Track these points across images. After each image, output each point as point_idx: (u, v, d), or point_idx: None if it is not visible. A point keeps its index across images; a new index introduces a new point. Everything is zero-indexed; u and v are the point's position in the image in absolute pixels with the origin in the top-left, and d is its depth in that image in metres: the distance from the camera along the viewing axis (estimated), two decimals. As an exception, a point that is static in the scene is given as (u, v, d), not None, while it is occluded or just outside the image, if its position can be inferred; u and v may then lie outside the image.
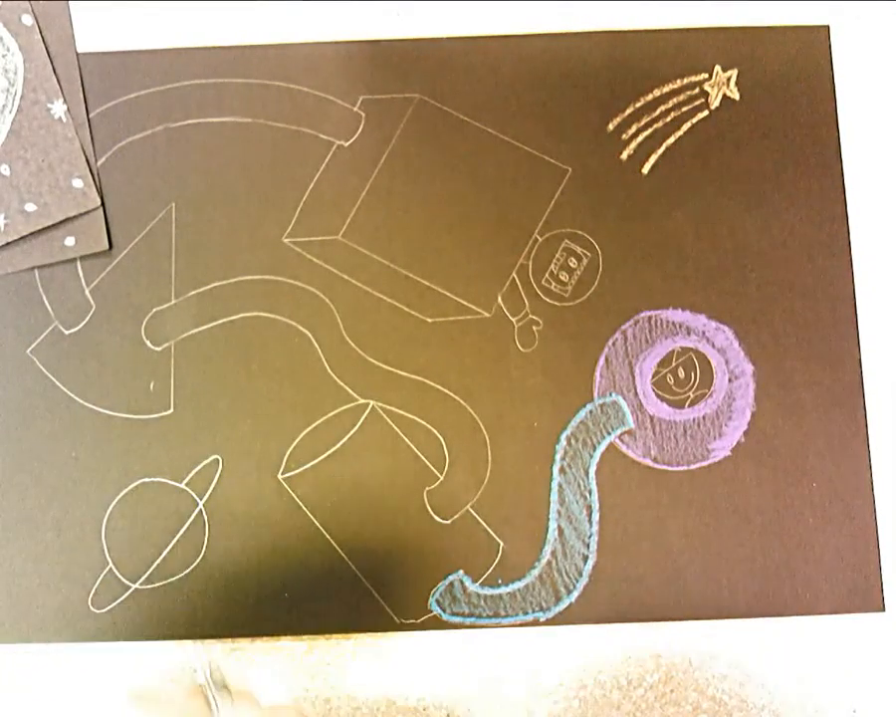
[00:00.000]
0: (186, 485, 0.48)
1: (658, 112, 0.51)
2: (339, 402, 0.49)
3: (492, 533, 0.49)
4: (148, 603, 0.48)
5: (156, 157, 0.51)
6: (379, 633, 0.48)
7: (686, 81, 0.52)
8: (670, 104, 0.52)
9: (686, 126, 0.52)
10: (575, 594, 0.48)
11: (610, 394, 0.50)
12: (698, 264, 0.51)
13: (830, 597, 0.48)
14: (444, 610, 0.48)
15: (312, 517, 0.48)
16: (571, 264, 0.51)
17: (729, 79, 0.52)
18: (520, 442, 0.49)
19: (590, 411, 0.50)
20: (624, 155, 0.51)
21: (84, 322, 0.50)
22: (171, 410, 0.49)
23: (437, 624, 0.48)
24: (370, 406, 0.49)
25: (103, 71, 0.52)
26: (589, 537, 0.49)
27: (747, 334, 0.50)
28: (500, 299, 0.50)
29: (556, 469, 0.49)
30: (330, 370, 0.49)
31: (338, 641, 0.48)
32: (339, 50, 0.52)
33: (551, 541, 0.48)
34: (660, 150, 0.51)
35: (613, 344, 0.50)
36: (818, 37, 0.52)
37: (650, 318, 0.50)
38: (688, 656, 0.49)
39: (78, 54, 0.51)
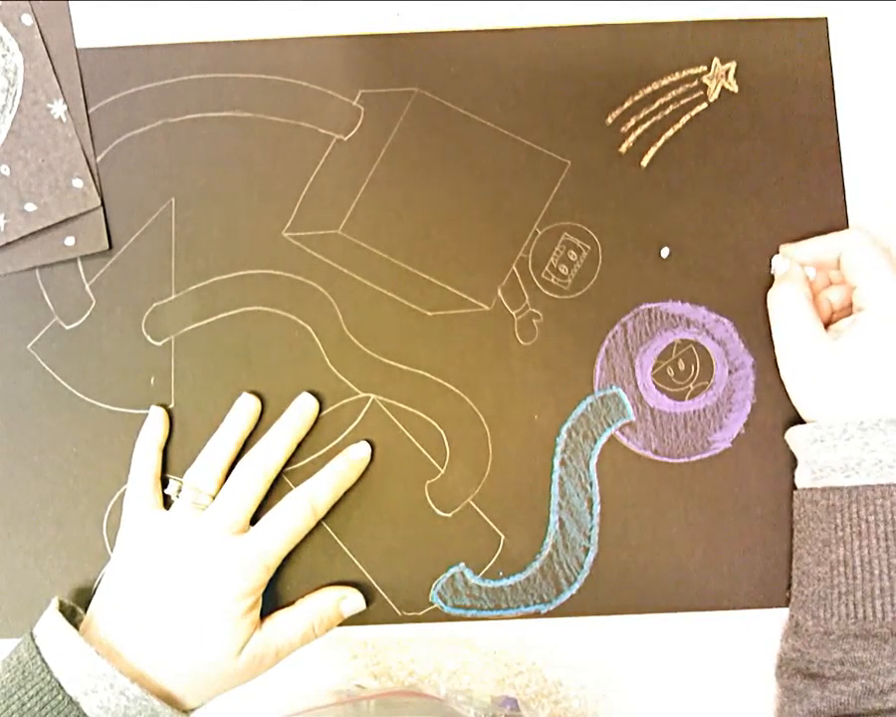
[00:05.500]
0: (187, 480, 0.49)
1: (657, 104, 0.52)
2: (340, 396, 0.49)
3: (493, 526, 0.49)
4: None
5: (156, 153, 0.51)
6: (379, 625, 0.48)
7: (684, 73, 0.52)
8: (669, 96, 0.52)
9: (685, 119, 0.52)
10: (577, 586, 0.48)
11: (611, 387, 0.50)
12: (697, 256, 0.51)
13: (832, 588, 0.48)
14: (445, 603, 0.48)
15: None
16: (571, 257, 0.51)
17: (727, 71, 0.52)
18: (520, 435, 0.49)
19: (591, 404, 0.50)
20: (623, 148, 0.51)
21: (84, 317, 0.50)
22: (172, 405, 0.49)
23: (439, 617, 0.48)
24: (371, 400, 0.49)
25: (102, 66, 0.52)
26: (590, 529, 0.49)
27: (746, 326, 0.50)
28: (500, 292, 0.50)
29: (556, 462, 0.49)
30: (330, 364, 0.50)
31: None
32: (338, 44, 0.52)
33: (552, 533, 0.48)
34: (659, 143, 0.51)
35: (613, 336, 0.50)
36: (817, 29, 0.52)
37: (650, 310, 0.50)
38: (689, 647, 0.49)
39: (77, 52, 0.52)
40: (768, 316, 0.49)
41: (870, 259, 0.46)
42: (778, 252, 0.50)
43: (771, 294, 0.49)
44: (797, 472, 0.48)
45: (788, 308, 0.47)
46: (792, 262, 0.49)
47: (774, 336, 0.48)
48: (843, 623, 0.43)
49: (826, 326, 0.47)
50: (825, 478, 0.45)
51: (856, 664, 0.42)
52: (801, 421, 0.48)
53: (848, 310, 0.49)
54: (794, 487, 0.48)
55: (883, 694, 0.41)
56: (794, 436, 0.47)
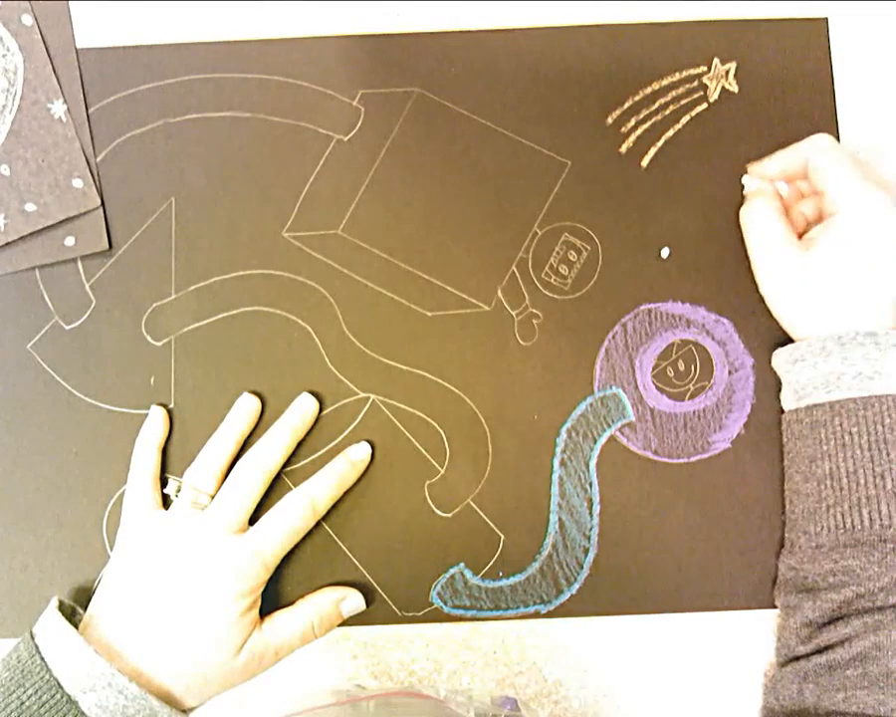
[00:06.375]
0: (187, 480, 0.49)
1: (657, 105, 0.52)
2: (340, 396, 0.49)
3: (493, 526, 0.49)
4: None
5: (156, 153, 0.51)
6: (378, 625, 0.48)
7: (685, 74, 0.52)
8: (669, 97, 0.52)
9: (685, 120, 0.52)
10: (576, 586, 0.48)
11: (611, 387, 0.50)
12: (697, 257, 0.51)
13: (832, 588, 0.48)
14: (445, 603, 0.48)
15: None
16: (571, 257, 0.51)
17: (727, 72, 0.52)
18: (520, 435, 0.49)
19: (591, 404, 0.50)
20: (623, 149, 0.51)
21: (84, 317, 0.50)
22: (172, 405, 0.49)
23: (438, 617, 0.48)
24: (371, 400, 0.49)
25: (102, 66, 0.52)
26: (590, 529, 0.49)
27: (746, 326, 0.50)
28: (500, 292, 0.50)
29: (556, 462, 0.49)
30: (330, 364, 0.50)
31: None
32: (339, 44, 0.52)
33: (551, 533, 0.48)
34: (659, 143, 0.51)
35: (613, 336, 0.50)
36: (817, 29, 0.52)
37: (650, 310, 0.50)
38: (689, 647, 0.49)
39: (77, 52, 0.52)
40: (767, 316, 0.49)
41: (835, 161, 0.46)
42: None
43: (742, 211, 0.49)
44: (782, 396, 0.49)
45: (761, 222, 0.47)
46: (762, 178, 0.49)
47: (749, 253, 0.48)
48: (833, 535, 0.43)
49: (802, 238, 0.48)
50: (808, 396, 0.45)
51: (846, 573, 0.43)
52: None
53: (805, 216, 0.49)
54: (781, 411, 0.49)
55: (872, 596, 0.42)
56: (777, 359, 0.48)
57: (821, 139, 0.47)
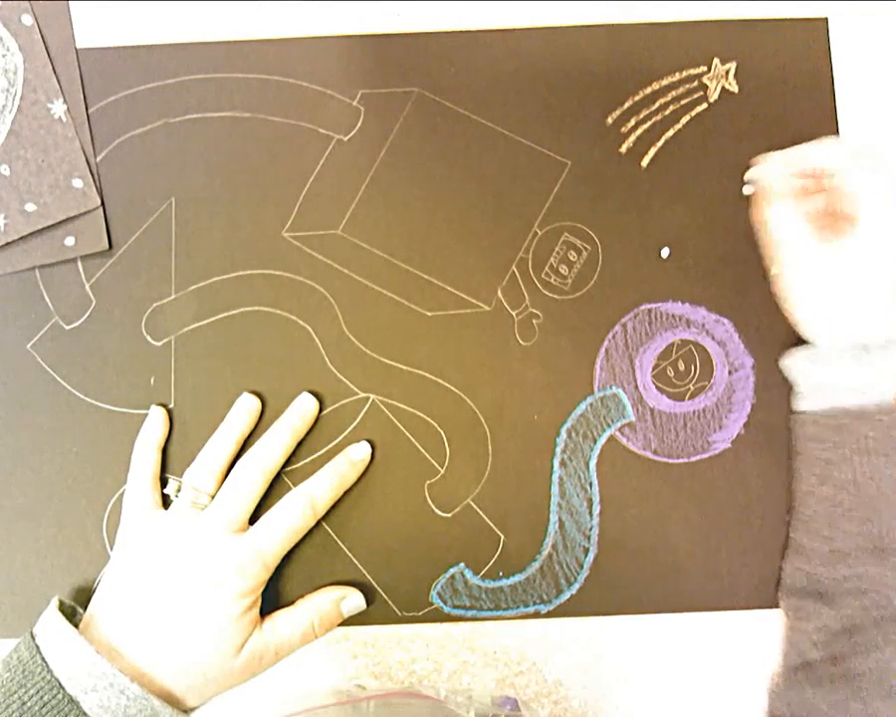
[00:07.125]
0: (187, 480, 0.49)
1: (657, 105, 0.52)
2: (340, 396, 0.49)
3: (493, 526, 0.49)
4: (150, 598, 0.48)
5: (156, 152, 0.51)
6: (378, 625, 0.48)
7: (685, 74, 0.52)
8: (669, 97, 0.52)
9: (685, 120, 0.52)
10: (576, 586, 0.48)
11: (611, 387, 0.50)
12: (697, 256, 0.51)
13: (832, 588, 0.48)
14: (445, 603, 0.48)
15: (312, 511, 0.48)
16: (571, 257, 0.51)
17: (727, 72, 0.52)
18: (520, 435, 0.49)
19: (591, 404, 0.50)
20: (623, 149, 0.51)
21: (84, 317, 0.50)
22: (172, 405, 0.49)
23: (438, 617, 0.48)
24: (371, 400, 0.49)
25: (102, 66, 0.52)
26: (590, 529, 0.49)
27: (746, 326, 0.50)
28: (500, 292, 0.50)
29: (556, 462, 0.49)
30: (330, 364, 0.50)
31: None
32: (339, 44, 0.52)
33: (551, 533, 0.48)
34: (659, 143, 0.51)
35: (613, 336, 0.50)
36: (817, 29, 0.52)
37: (650, 310, 0.50)
38: (689, 647, 0.49)
39: (77, 52, 0.52)
40: (767, 316, 0.49)
41: (864, 166, 0.45)
42: None
43: (767, 210, 0.48)
44: (796, 396, 0.48)
45: (789, 222, 0.47)
46: (784, 176, 0.48)
47: (771, 252, 0.48)
48: (851, 541, 0.43)
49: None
50: (829, 400, 0.45)
51: (864, 580, 0.42)
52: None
53: (829, 219, 0.48)
54: (791, 412, 0.49)
55: (891, 605, 0.42)
56: (793, 359, 0.48)
57: (843, 143, 0.47)
